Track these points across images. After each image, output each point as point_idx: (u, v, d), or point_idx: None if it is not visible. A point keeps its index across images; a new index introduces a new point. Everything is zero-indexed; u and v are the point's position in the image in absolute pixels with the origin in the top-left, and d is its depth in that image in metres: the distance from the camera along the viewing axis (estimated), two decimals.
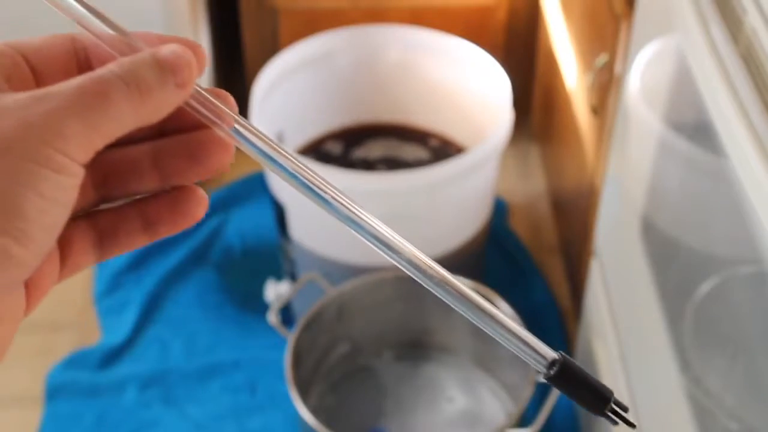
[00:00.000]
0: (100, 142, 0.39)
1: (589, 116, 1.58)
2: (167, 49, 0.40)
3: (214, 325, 1.84)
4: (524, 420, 1.47)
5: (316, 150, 1.87)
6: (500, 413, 1.64)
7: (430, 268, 0.48)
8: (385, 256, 0.47)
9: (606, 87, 1.44)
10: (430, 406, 1.66)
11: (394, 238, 0.47)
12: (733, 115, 0.85)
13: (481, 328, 0.50)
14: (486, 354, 1.67)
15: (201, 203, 0.45)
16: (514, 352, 0.52)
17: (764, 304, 0.86)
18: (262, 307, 1.82)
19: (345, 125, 1.91)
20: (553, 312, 1.85)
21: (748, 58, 0.86)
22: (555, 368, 0.49)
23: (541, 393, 1.57)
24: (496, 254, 1.95)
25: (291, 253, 1.74)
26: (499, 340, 0.51)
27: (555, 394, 1.47)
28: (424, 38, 1.83)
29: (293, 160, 0.44)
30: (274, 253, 1.90)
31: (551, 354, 0.50)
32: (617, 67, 1.38)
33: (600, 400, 0.50)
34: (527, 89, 2.12)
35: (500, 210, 2.03)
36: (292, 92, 1.80)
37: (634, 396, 1.29)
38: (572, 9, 1.74)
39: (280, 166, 0.44)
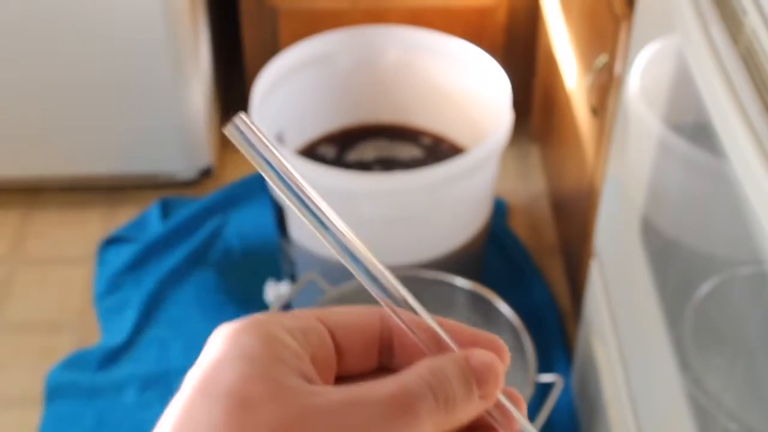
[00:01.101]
0: None
1: (589, 117, 1.57)
2: (477, 359, 0.39)
3: (214, 325, 1.81)
4: None
5: (310, 154, 1.87)
6: None
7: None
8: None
9: (606, 87, 1.44)
10: None
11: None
12: (733, 116, 0.85)
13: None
14: None
15: None
16: None
17: (764, 305, 0.86)
18: (262, 308, 1.82)
19: (345, 126, 1.91)
20: (553, 312, 1.84)
21: (748, 59, 0.86)
22: None
23: (541, 393, 1.57)
24: (496, 254, 1.95)
25: (291, 254, 1.74)
26: None
27: (555, 394, 1.46)
28: (424, 39, 1.83)
29: None
30: (274, 254, 1.90)
31: None
32: (617, 68, 1.38)
33: None
34: (527, 89, 2.12)
35: (500, 210, 2.03)
36: (292, 93, 1.80)
37: (633, 396, 1.29)
38: (572, 9, 1.74)
39: None
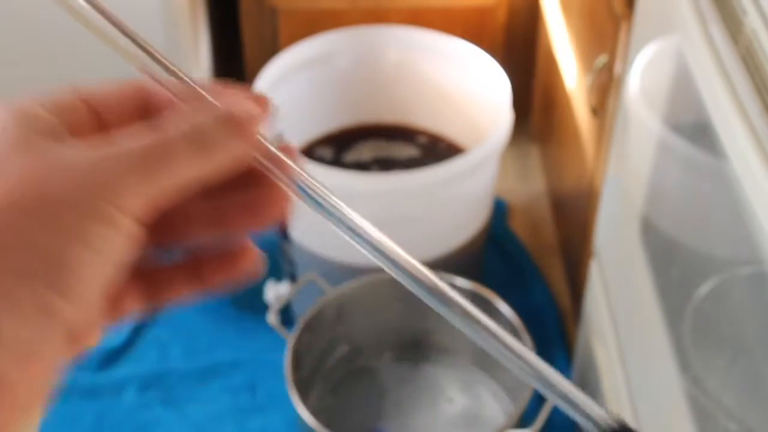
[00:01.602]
0: (160, 200, 0.38)
1: (589, 117, 1.57)
2: (233, 103, 0.40)
3: (214, 325, 1.84)
4: (524, 420, 1.47)
5: (309, 155, 1.87)
6: (500, 414, 1.64)
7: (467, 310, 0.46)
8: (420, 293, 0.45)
9: (606, 87, 1.44)
10: (429, 406, 1.66)
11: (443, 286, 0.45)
12: (733, 116, 0.85)
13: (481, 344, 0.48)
14: (486, 355, 1.66)
15: (253, 260, 0.44)
16: (565, 409, 0.48)
17: (764, 305, 0.86)
18: (262, 308, 1.81)
19: (345, 126, 1.91)
20: (553, 312, 1.84)
21: (748, 59, 0.86)
22: None
23: (540, 393, 1.57)
24: (496, 254, 1.95)
25: (291, 254, 1.74)
26: (550, 397, 0.48)
27: None
28: (424, 38, 1.83)
29: (351, 218, 0.44)
30: (274, 254, 1.90)
31: (605, 417, 0.46)
32: (617, 68, 1.38)
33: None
34: (527, 89, 2.12)
35: (500, 210, 2.03)
36: (292, 93, 1.80)
37: (633, 396, 1.29)
38: (572, 9, 1.74)
39: (339, 219, 0.43)
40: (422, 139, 1.90)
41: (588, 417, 0.47)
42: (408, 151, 1.89)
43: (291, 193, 0.42)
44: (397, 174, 1.56)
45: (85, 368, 1.76)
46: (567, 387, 0.48)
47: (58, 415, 1.70)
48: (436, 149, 1.88)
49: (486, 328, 0.45)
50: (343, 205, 0.44)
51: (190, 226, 0.43)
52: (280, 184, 0.42)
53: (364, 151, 1.88)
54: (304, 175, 0.42)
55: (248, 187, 0.43)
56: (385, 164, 1.85)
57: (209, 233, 0.43)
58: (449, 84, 1.85)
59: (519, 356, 0.46)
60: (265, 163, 0.41)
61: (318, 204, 0.43)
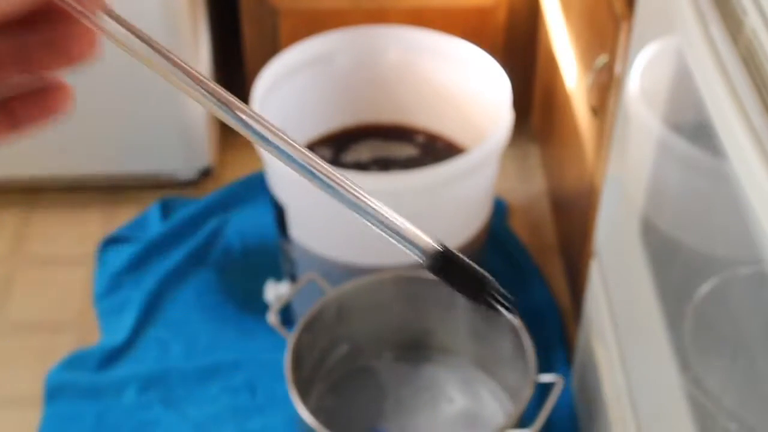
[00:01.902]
0: None
1: (589, 117, 1.57)
2: None
3: (214, 325, 1.84)
4: (524, 421, 1.47)
5: None
6: (500, 414, 1.64)
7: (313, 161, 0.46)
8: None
9: (606, 87, 1.44)
10: (429, 406, 1.66)
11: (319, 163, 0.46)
12: (733, 116, 0.85)
13: (366, 221, 0.50)
14: (486, 355, 1.67)
15: (66, 97, 0.44)
16: (396, 243, 0.50)
17: (764, 305, 0.86)
18: (262, 308, 1.82)
19: (345, 125, 1.91)
20: (553, 312, 1.84)
21: (748, 59, 0.86)
22: (435, 259, 0.49)
23: (540, 393, 1.57)
24: (496, 254, 1.95)
25: (291, 254, 1.74)
26: (379, 231, 0.50)
27: (555, 394, 1.46)
28: (424, 39, 1.83)
29: (164, 52, 0.43)
30: (274, 254, 1.90)
31: (431, 243, 0.48)
32: (617, 68, 1.38)
33: (481, 288, 0.50)
34: (527, 89, 2.12)
35: (500, 210, 2.03)
36: (293, 93, 1.80)
37: (633, 396, 1.29)
38: (572, 9, 1.74)
39: (145, 52, 0.44)
40: (420, 139, 1.90)
41: (413, 244, 0.50)
42: (406, 150, 1.89)
43: (95, 29, 0.42)
44: (397, 174, 1.56)
45: (85, 368, 1.76)
46: (391, 217, 0.51)
47: (58, 415, 1.70)
48: (434, 148, 1.88)
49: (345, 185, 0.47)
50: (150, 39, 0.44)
51: None
52: (82, 19, 0.41)
53: (363, 151, 1.88)
54: (106, 7, 0.42)
55: (51, 24, 0.42)
56: (384, 164, 1.85)
57: (16, 73, 0.42)
58: (449, 84, 1.85)
59: (361, 200, 0.49)
60: None
61: (116, 40, 0.44)
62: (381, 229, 0.50)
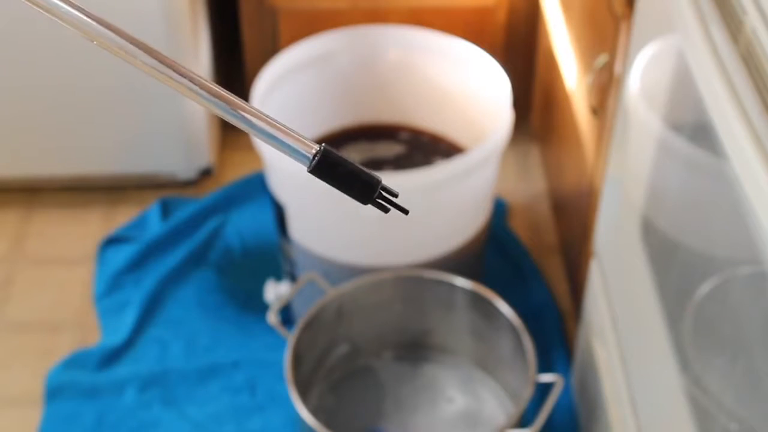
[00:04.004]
0: None
1: (589, 116, 1.58)
2: None
3: (214, 325, 1.84)
4: (524, 420, 1.47)
5: None
6: (500, 414, 1.64)
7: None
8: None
9: (606, 87, 1.44)
10: (429, 406, 1.66)
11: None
12: (733, 115, 0.85)
13: (247, 131, 0.55)
14: (486, 355, 1.67)
15: None
16: (279, 150, 0.55)
17: (764, 305, 0.86)
18: (262, 308, 1.82)
19: (345, 125, 1.91)
20: (553, 312, 1.84)
21: (748, 58, 0.86)
22: (316, 159, 0.52)
23: (540, 393, 1.57)
24: (496, 254, 1.95)
25: (291, 254, 1.74)
26: (263, 141, 0.56)
27: (555, 394, 1.47)
28: (424, 38, 1.83)
29: None
30: (274, 254, 1.90)
31: (313, 146, 0.52)
32: (617, 68, 1.38)
33: (367, 188, 0.52)
34: (527, 89, 2.12)
35: (500, 210, 2.03)
36: (292, 92, 1.80)
37: (634, 396, 1.29)
38: (572, 9, 1.74)
39: None
40: (404, 135, 1.90)
41: (295, 150, 0.55)
42: (393, 149, 1.89)
43: None
44: (397, 174, 1.56)
45: (85, 368, 1.76)
46: (274, 126, 0.56)
47: (58, 415, 1.70)
48: (420, 143, 1.88)
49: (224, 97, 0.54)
50: None
51: None
52: None
53: (351, 154, 1.88)
54: None
55: None
56: (376, 164, 1.86)
57: None
58: (449, 84, 1.85)
59: (224, 101, 0.57)
60: None
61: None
62: (267, 141, 0.54)
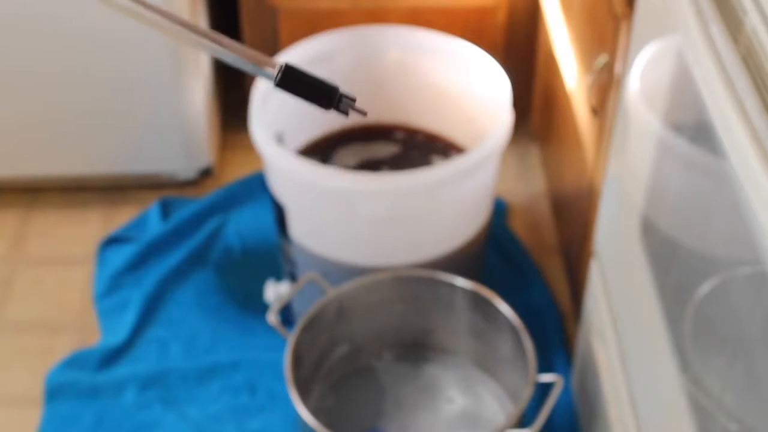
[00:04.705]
0: None
1: (589, 116, 1.58)
2: None
3: (214, 325, 1.84)
4: (524, 420, 1.47)
5: (310, 155, 1.87)
6: (500, 414, 1.64)
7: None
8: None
9: (606, 87, 1.44)
10: (429, 406, 1.66)
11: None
12: (733, 115, 0.85)
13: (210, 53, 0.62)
14: (486, 355, 1.67)
15: None
16: (244, 70, 0.65)
17: (764, 305, 0.86)
18: (262, 308, 1.82)
19: (345, 125, 1.91)
20: (553, 312, 1.84)
21: (748, 58, 0.86)
22: (279, 75, 0.61)
23: (540, 394, 1.57)
24: (496, 254, 1.95)
25: (291, 254, 1.74)
26: (227, 62, 0.67)
27: (555, 394, 1.46)
28: (424, 39, 1.83)
29: None
30: (274, 254, 1.90)
31: (276, 64, 0.59)
32: (617, 68, 1.38)
33: (327, 95, 0.59)
34: (527, 89, 2.12)
35: (500, 210, 2.03)
36: None
37: (634, 396, 1.29)
38: (572, 9, 1.74)
39: None
40: (399, 135, 1.90)
41: (261, 70, 0.65)
42: (388, 148, 1.89)
43: None
44: (398, 174, 1.56)
45: (85, 368, 1.76)
46: (238, 48, 0.65)
47: (57, 416, 1.70)
48: (415, 141, 1.88)
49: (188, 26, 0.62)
50: None
51: None
52: None
53: (347, 156, 1.88)
54: None
55: None
56: (372, 165, 1.86)
57: None
58: (449, 84, 1.85)
59: (191, 29, 0.68)
60: None
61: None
62: (231, 61, 0.62)
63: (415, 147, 1.88)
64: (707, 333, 1.06)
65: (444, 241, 1.69)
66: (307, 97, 0.61)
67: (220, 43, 0.61)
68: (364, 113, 0.63)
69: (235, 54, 0.60)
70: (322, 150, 1.88)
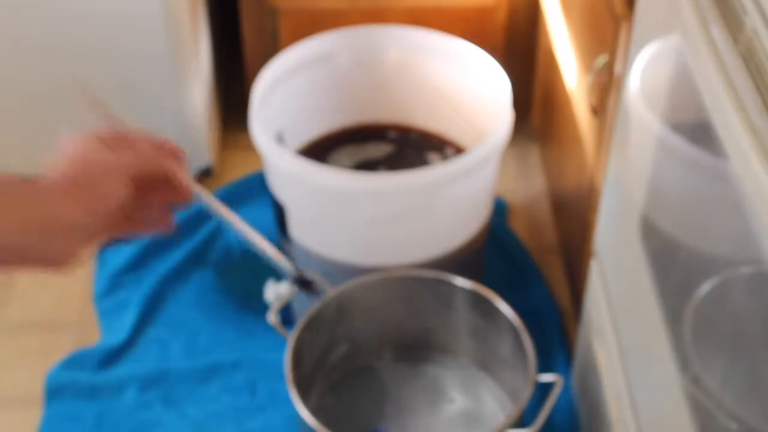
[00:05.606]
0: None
1: (589, 116, 1.58)
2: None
3: (214, 325, 1.84)
4: (524, 420, 1.47)
5: (310, 155, 1.87)
6: (500, 414, 1.64)
7: None
8: None
9: (606, 87, 1.44)
10: (430, 406, 1.66)
11: None
12: (733, 115, 0.85)
13: None
14: (486, 355, 1.67)
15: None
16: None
17: (764, 305, 0.86)
18: (262, 308, 1.81)
19: (345, 126, 1.91)
20: (553, 312, 1.84)
21: (748, 58, 0.86)
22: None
23: (540, 393, 1.57)
24: (496, 254, 1.95)
25: (291, 253, 1.74)
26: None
27: (555, 394, 1.46)
28: (424, 38, 1.83)
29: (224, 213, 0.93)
30: None
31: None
32: (617, 68, 1.38)
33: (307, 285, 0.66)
34: (527, 89, 2.12)
35: (500, 210, 2.03)
36: (292, 93, 1.80)
37: (634, 396, 1.29)
38: (572, 9, 1.74)
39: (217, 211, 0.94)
40: (392, 134, 1.90)
41: (281, 267, 0.94)
42: (382, 148, 1.89)
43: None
44: (398, 174, 1.56)
45: (85, 368, 1.76)
46: (263, 244, 1.03)
47: (58, 416, 1.70)
48: (408, 140, 1.88)
49: None
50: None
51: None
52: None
53: (342, 158, 1.88)
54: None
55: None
56: (368, 166, 1.85)
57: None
58: (449, 84, 1.85)
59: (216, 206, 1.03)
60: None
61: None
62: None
63: (409, 145, 1.88)
64: (707, 333, 1.06)
65: (444, 241, 1.69)
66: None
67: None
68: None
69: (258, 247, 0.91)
70: (322, 150, 1.88)
